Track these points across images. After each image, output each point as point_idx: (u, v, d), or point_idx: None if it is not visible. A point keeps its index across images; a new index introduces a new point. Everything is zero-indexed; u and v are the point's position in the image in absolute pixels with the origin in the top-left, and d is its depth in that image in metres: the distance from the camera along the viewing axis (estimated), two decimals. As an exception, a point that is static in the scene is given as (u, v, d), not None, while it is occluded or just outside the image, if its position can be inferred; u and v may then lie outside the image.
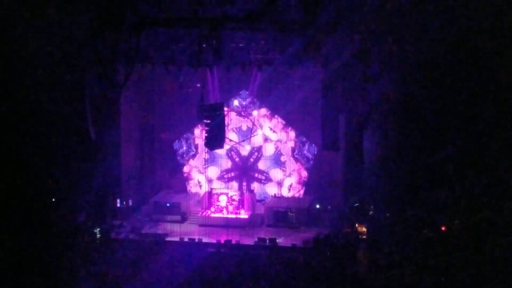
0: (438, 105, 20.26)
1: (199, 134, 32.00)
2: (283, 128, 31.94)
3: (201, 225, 29.26)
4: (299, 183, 31.86)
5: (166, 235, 27.53)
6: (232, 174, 32.55)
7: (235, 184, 32.40)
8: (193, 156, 32.82)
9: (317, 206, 29.79)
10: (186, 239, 26.84)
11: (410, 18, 20.43)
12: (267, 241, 26.46)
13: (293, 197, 31.49)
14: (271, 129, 32.05)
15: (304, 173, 31.78)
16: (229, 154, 32.43)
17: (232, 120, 32.08)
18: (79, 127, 23.53)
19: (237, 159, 32.42)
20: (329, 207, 29.25)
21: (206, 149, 30.32)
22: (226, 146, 30.60)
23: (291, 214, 29.14)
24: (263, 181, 32.35)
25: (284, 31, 23.00)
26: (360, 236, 25.33)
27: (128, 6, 20.16)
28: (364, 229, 25.44)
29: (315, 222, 28.93)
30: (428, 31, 19.93)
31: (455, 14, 18.92)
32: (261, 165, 32.38)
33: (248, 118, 32.09)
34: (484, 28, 18.08)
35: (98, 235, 25.73)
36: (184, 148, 32.85)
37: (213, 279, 21.58)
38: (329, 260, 23.44)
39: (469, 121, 19.11)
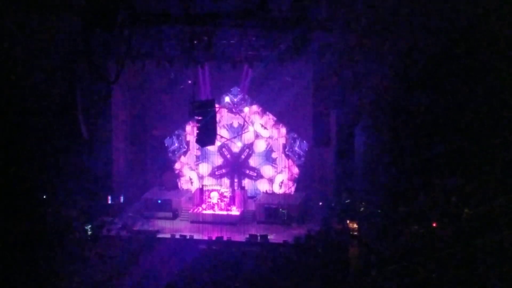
0: (429, 102, 20.33)
1: (191, 130, 31.94)
2: (274, 125, 31.90)
3: (192, 222, 29.21)
4: (290, 179, 31.84)
5: (158, 232, 27.48)
6: (224, 170, 32.50)
7: (226, 181, 32.34)
8: (185, 153, 32.76)
9: (309, 202, 29.82)
10: (177, 236, 26.80)
11: (402, 15, 20.46)
12: (259, 237, 26.46)
13: (284, 194, 31.42)
14: (262, 125, 32.00)
15: (296, 170, 31.75)
16: (221, 151, 32.38)
17: (224, 116, 32.00)
18: (70, 124, 23.47)
19: (228, 156, 32.38)
20: (320, 203, 29.27)
21: (198, 146, 30.30)
22: (218, 143, 30.55)
23: (283, 211, 29.12)
24: (254, 177, 32.31)
25: (275, 27, 22.98)
26: (351, 233, 25.39)
27: (119, 2, 20.09)
28: (355, 226, 25.50)
29: (307, 219, 28.99)
30: (420, 28, 19.99)
31: (448, 11, 18.98)
32: (252, 162, 32.34)
33: (239, 114, 32.02)
34: (478, 27, 18.15)
35: (89, 232, 25.69)
36: (176, 144, 32.77)
37: (204, 275, 21.60)
38: (320, 257, 23.49)
39: (460, 119, 19.19)
